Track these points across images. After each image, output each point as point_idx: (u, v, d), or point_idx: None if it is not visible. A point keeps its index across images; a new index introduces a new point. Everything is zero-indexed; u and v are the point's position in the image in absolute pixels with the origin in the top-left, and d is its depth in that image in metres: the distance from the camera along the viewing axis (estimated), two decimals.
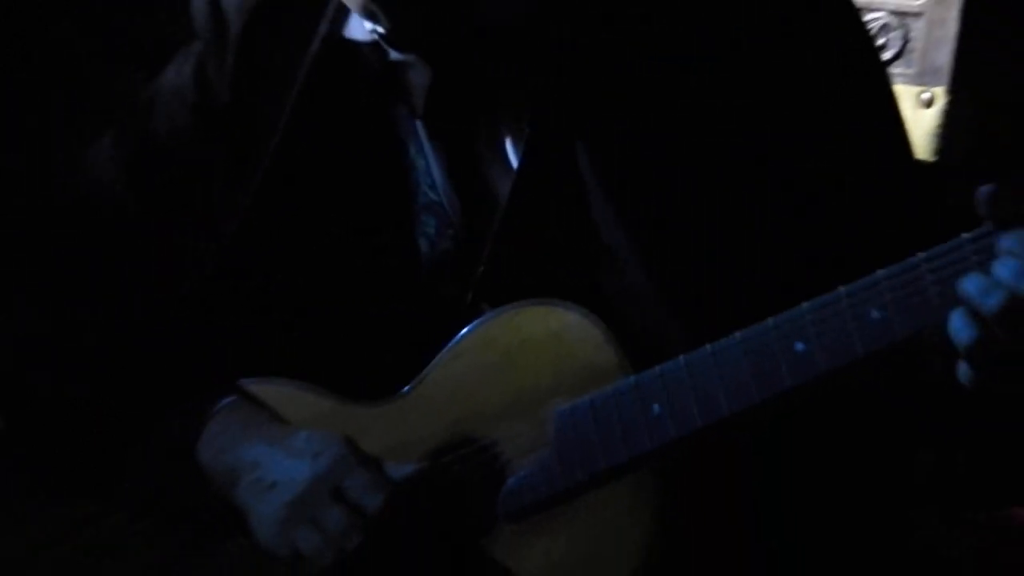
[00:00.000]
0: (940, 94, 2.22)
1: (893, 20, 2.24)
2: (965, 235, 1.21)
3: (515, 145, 1.42)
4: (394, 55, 1.44)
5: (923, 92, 2.21)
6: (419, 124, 1.46)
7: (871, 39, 1.49)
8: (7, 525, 1.47)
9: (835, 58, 1.37)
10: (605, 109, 1.37)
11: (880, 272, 1.24)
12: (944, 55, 2.20)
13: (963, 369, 1.20)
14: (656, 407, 1.31)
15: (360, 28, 1.45)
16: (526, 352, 1.39)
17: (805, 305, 1.27)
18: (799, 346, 1.26)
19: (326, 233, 1.49)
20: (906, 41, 2.23)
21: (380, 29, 1.41)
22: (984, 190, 1.19)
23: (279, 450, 1.41)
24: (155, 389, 1.49)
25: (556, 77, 1.39)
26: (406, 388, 1.43)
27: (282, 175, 1.48)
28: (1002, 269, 1.18)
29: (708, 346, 1.30)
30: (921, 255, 1.23)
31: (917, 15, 2.21)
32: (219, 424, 1.45)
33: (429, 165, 1.47)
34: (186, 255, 1.53)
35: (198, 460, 1.44)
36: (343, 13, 1.47)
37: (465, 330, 1.41)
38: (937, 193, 1.43)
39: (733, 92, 1.34)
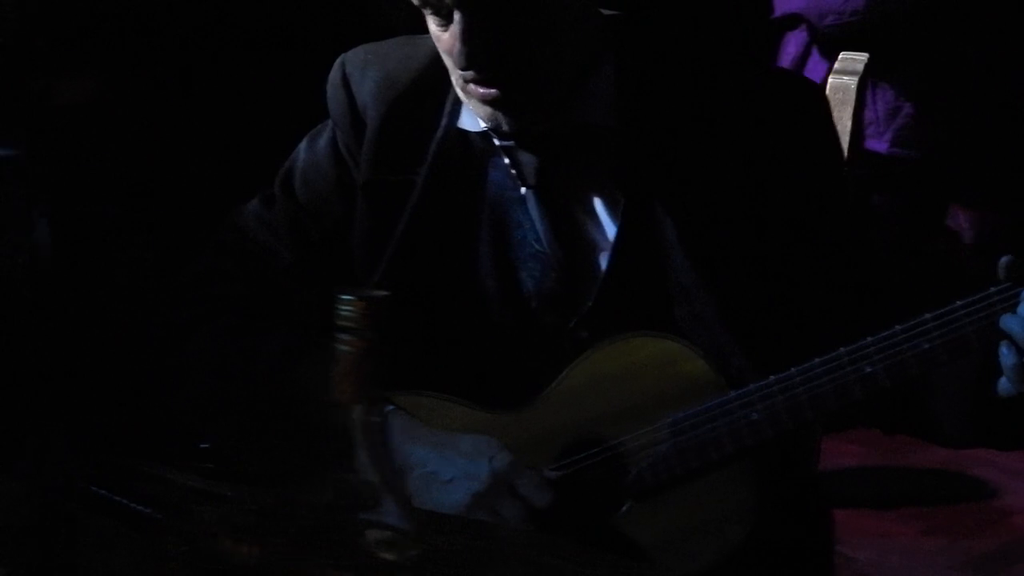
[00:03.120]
0: None
1: None
2: (992, 288, 1.73)
3: (607, 208, 1.86)
4: (502, 140, 1.86)
5: None
6: (527, 192, 1.87)
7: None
8: None
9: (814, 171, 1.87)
10: (678, 186, 1.84)
11: (927, 315, 1.74)
12: None
13: (1003, 383, 1.71)
14: (755, 414, 1.77)
15: (470, 120, 1.88)
16: (638, 370, 1.82)
17: (869, 339, 1.75)
18: (868, 368, 1.75)
19: (450, 277, 1.89)
20: None
21: (501, 127, 1.82)
22: (1004, 260, 1.72)
23: (448, 452, 1.79)
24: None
25: (641, 163, 1.83)
26: (534, 399, 1.84)
27: (416, 233, 1.88)
28: None
29: (794, 369, 1.77)
30: (959, 302, 1.73)
31: None
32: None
33: (535, 223, 1.87)
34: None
35: None
36: (457, 108, 1.89)
37: (585, 353, 1.84)
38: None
39: (754, 189, 1.83)
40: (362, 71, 1.93)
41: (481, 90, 1.77)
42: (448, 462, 1.79)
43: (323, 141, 1.96)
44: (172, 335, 1.93)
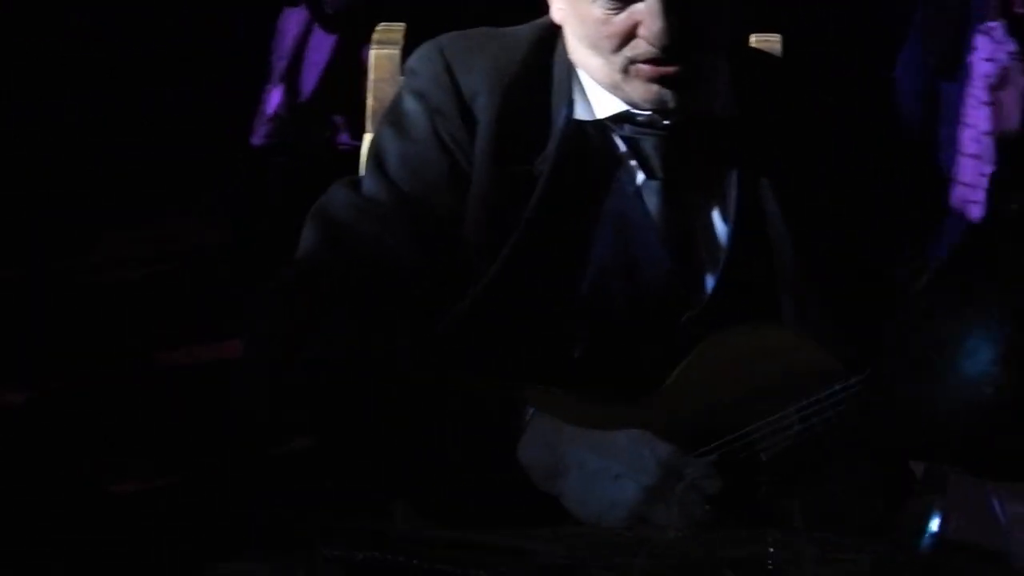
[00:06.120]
0: None
1: None
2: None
3: (720, 203, 1.90)
4: (628, 130, 1.87)
5: None
6: (648, 184, 1.88)
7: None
8: None
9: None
10: (786, 180, 1.90)
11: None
12: None
13: None
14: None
15: (584, 110, 1.89)
16: (760, 359, 1.84)
17: None
18: None
19: (570, 270, 1.88)
20: None
21: (636, 111, 1.85)
22: None
23: (607, 448, 1.75)
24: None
25: (756, 155, 1.90)
26: (652, 392, 1.83)
27: (540, 225, 1.87)
28: None
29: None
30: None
31: None
32: (534, 430, 1.78)
33: (652, 217, 1.88)
34: (451, 293, 1.87)
35: (519, 458, 1.77)
36: (571, 98, 1.89)
37: (701, 345, 1.85)
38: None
39: (846, 183, 1.92)
40: (466, 59, 1.91)
41: (655, 69, 1.79)
42: (610, 458, 1.75)
43: (419, 130, 1.90)
44: (291, 332, 1.84)
